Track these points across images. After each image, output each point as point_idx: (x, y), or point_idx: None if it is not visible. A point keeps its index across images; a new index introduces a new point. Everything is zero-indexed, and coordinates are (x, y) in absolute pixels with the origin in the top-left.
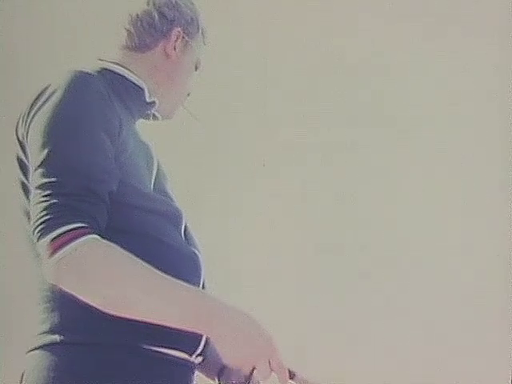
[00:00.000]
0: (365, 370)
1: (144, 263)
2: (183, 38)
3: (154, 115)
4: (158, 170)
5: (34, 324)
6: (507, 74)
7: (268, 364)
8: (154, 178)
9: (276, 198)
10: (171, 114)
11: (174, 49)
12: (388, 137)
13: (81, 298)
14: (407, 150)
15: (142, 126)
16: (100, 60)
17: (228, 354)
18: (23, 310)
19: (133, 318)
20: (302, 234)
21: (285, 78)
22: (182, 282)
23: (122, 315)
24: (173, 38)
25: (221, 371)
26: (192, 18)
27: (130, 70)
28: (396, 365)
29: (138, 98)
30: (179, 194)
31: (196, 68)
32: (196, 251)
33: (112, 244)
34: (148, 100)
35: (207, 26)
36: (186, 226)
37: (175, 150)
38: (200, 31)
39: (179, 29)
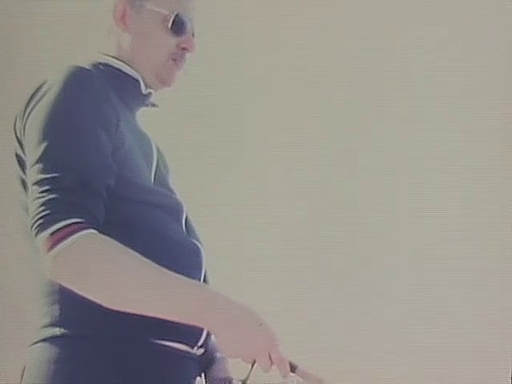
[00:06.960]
0: (365, 364)
1: (142, 257)
2: (134, 5)
3: (152, 104)
4: (158, 162)
5: (35, 318)
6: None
7: (268, 357)
8: (154, 170)
9: (278, 191)
10: (167, 79)
11: (122, 21)
12: (387, 136)
13: (79, 292)
14: (407, 149)
15: (143, 116)
16: (97, 53)
17: (228, 348)
18: (24, 304)
19: (132, 312)
20: (304, 227)
21: (283, 77)
22: (181, 276)
23: (121, 310)
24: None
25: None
26: None
27: (124, 61)
28: (395, 362)
29: (134, 90)
30: (181, 186)
31: (172, 23)
32: (197, 243)
33: (109, 238)
34: (144, 92)
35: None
36: (186, 218)
37: (177, 141)
38: None
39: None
